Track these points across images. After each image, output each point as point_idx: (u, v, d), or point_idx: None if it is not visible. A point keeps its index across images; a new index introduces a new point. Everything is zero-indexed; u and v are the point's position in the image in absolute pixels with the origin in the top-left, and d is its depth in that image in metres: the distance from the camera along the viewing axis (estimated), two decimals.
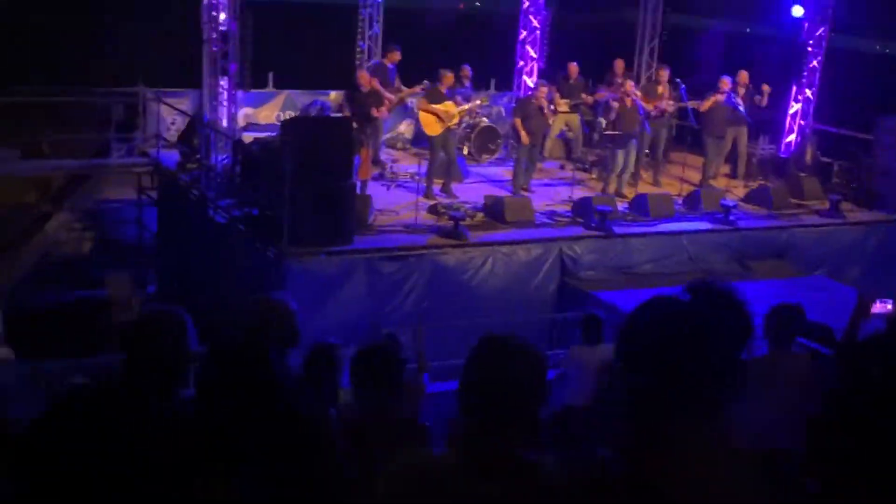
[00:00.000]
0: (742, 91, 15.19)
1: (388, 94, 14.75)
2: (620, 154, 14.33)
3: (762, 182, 15.47)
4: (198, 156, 13.68)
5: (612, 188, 14.38)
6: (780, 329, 5.87)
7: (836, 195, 14.61)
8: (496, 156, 16.21)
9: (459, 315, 10.91)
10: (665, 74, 15.38)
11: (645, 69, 18.67)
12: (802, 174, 15.58)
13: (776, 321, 5.88)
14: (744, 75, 15.33)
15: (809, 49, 16.45)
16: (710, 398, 2.05)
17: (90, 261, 13.56)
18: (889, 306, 7.79)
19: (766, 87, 15.41)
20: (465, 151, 15.82)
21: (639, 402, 2.05)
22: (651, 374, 2.03)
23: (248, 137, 14.02)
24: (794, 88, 16.65)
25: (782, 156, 16.60)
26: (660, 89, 15.25)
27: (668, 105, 15.08)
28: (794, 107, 16.65)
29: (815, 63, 16.51)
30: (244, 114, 15.77)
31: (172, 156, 14.36)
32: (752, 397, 5.78)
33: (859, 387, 1.99)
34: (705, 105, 14.94)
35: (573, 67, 16.55)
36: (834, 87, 16.20)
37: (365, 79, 14.15)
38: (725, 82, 14.97)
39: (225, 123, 13.82)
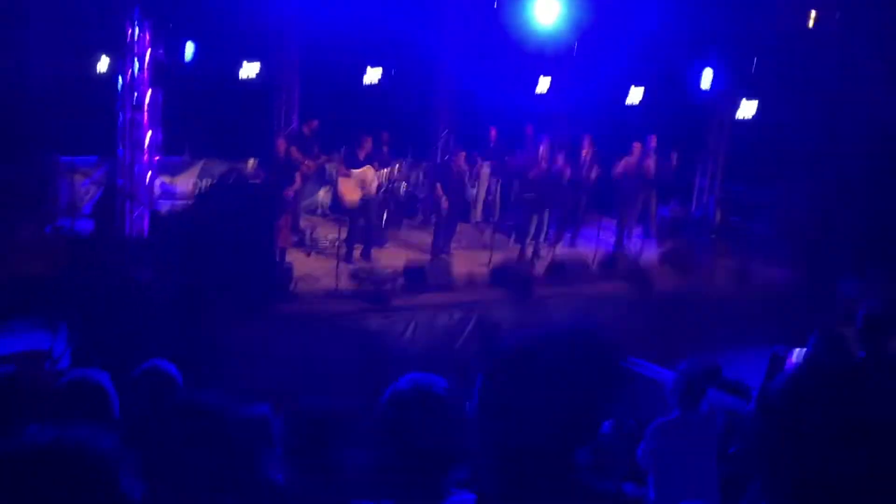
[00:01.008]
0: (653, 154, 15.63)
1: (305, 161, 14.79)
2: (536, 218, 14.58)
3: (673, 243, 15.84)
4: (113, 226, 13.47)
5: (529, 251, 14.58)
6: (686, 391, 5.98)
7: (745, 255, 15.03)
8: (416, 221, 16.34)
9: (383, 380, 10.81)
10: (588, 141, 15.74)
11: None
12: (712, 235, 16.03)
13: (681, 383, 5.99)
14: (652, 139, 15.79)
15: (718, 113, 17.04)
16: (561, 441, 2.08)
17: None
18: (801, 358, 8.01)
19: (673, 154, 15.87)
20: (385, 217, 15.91)
21: (498, 449, 2.10)
22: (508, 420, 2.08)
23: (164, 206, 13.89)
24: (703, 151, 17.16)
25: (692, 217, 17.05)
26: (584, 153, 15.60)
27: (592, 171, 15.44)
28: (703, 169, 17.15)
29: (720, 126, 17.07)
30: (160, 182, 15.60)
31: (86, 227, 14.10)
32: (664, 458, 5.89)
33: (777, 430, 2.06)
34: (618, 169, 15.34)
35: (493, 131, 16.83)
36: (742, 149, 16.78)
37: (281, 146, 14.19)
38: (637, 145, 15.41)
39: (141, 193, 13.66)
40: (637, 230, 16.39)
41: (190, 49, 16.27)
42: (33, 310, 13.64)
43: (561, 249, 15.22)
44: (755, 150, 16.24)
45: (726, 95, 16.87)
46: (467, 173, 14.46)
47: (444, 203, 13.91)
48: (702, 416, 6.11)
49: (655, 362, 10.70)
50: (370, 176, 13.92)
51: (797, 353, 8.01)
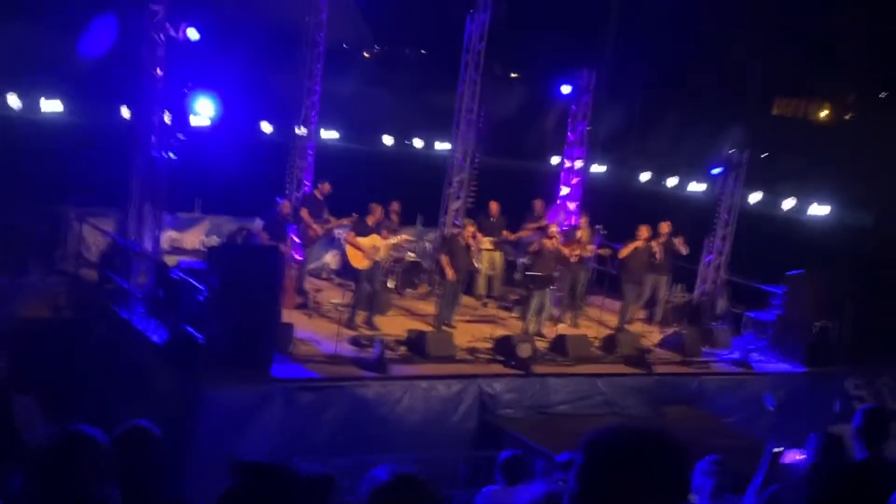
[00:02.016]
0: (663, 240, 15.62)
1: (314, 225, 14.88)
2: (539, 294, 14.55)
3: (676, 329, 15.79)
4: (117, 277, 13.48)
5: (532, 327, 14.52)
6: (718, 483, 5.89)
7: (746, 345, 14.96)
8: (420, 290, 16.33)
9: (376, 450, 10.77)
10: (584, 220, 15.80)
11: (564, 215, 19.12)
12: (714, 323, 15.98)
13: (717, 475, 5.89)
14: (664, 225, 15.79)
15: (720, 205, 17.14)
16: None
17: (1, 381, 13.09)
18: (799, 456, 7.92)
19: (679, 239, 15.86)
20: (390, 285, 15.91)
21: None
22: None
23: (171, 260, 13.92)
24: (709, 240, 17.20)
25: (695, 304, 17.01)
26: (579, 234, 15.64)
27: (587, 250, 15.46)
28: (708, 257, 17.17)
29: (727, 217, 17.16)
30: (169, 236, 15.67)
31: (92, 276, 14.13)
32: None
33: None
34: (624, 252, 15.35)
35: (494, 205, 16.88)
36: (747, 241, 16.85)
37: (286, 207, 14.26)
38: (644, 230, 15.43)
39: (148, 246, 13.69)
40: (640, 313, 16.32)
41: (209, 107, 16.45)
42: (35, 354, 13.61)
43: (563, 327, 15.16)
44: (760, 240, 16.28)
45: (734, 186, 16.99)
46: (476, 246, 14.47)
47: (450, 274, 13.92)
48: None
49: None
50: (378, 243, 13.96)
51: (793, 454, 7.91)
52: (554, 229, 14.99)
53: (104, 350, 13.00)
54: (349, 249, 13.99)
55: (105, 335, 13.02)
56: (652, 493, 2.07)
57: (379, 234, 14.07)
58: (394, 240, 15.08)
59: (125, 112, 16.59)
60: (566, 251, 14.97)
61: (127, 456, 3.87)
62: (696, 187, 21.45)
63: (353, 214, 14.57)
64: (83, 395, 13.17)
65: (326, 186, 15.42)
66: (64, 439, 3.53)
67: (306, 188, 16.88)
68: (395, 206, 16.35)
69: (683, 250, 15.83)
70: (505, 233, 16.76)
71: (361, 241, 13.78)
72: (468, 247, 14.22)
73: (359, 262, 13.80)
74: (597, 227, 16.01)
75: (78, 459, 3.30)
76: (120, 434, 4.14)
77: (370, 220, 14.01)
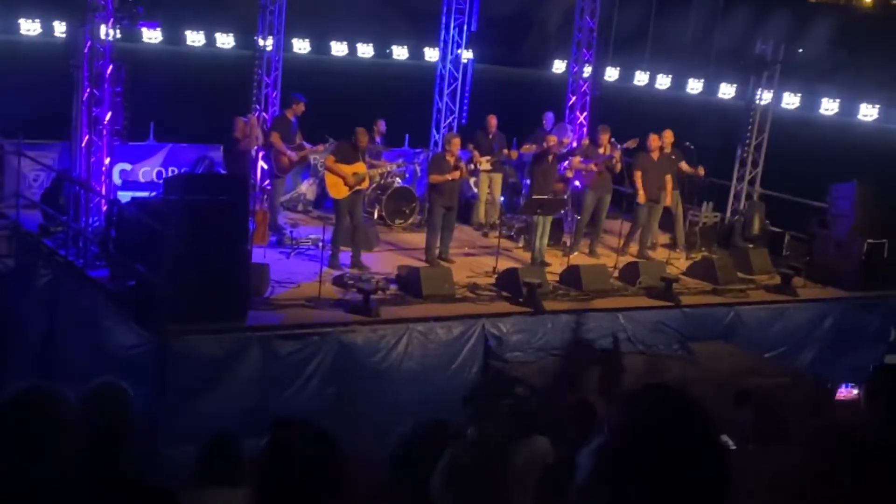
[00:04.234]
0: (668, 152, 15.56)
1: (287, 150, 14.70)
2: (548, 220, 14.48)
3: (706, 254, 15.73)
4: (64, 218, 13.37)
5: (540, 258, 14.46)
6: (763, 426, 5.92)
7: (787, 269, 14.92)
8: (411, 221, 16.23)
9: (370, 402, 10.79)
10: (606, 135, 15.56)
11: (576, 128, 18.96)
12: (750, 245, 15.92)
13: (758, 417, 5.91)
14: (669, 134, 15.66)
15: (753, 110, 16.98)
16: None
17: None
18: (854, 392, 7.92)
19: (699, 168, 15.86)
20: (376, 216, 15.81)
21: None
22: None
23: (124, 196, 13.80)
24: (740, 151, 17.08)
25: (728, 225, 16.94)
26: (601, 150, 15.45)
27: (616, 167, 15.34)
28: (741, 171, 17.06)
29: (760, 126, 17.02)
30: (120, 170, 15.52)
31: (34, 217, 14.01)
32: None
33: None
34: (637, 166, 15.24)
35: (492, 119, 16.66)
36: (783, 152, 16.72)
37: (241, 127, 14.04)
38: (655, 139, 15.30)
39: (98, 181, 13.55)
40: (663, 237, 16.27)
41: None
42: None
43: (577, 256, 15.10)
44: (799, 151, 16.15)
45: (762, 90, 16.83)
46: (466, 164, 14.28)
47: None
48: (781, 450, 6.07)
49: None
50: (362, 171, 13.80)
51: (846, 390, 7.92)
52: (554, 141, 14.79)
53: (50, 302, 12.93)
54: (327, 177, 13.83)
55: (53, 284, 12.94)
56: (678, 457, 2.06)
57: (362, 159, 13.90)
58: (381, 169, 14.94)
59: (59, 27, 16.28)
60: (591, 166, 14.92)
61: (97, 417, 3.86)
62: (725, 91, 21.36)
63: (328, 138, 14.39)
64: (31, 351, 13.16)
65: (301, 106, 15.16)
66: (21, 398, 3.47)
67: (274, 108, 16.66)
68: (380, 125, 16.18)
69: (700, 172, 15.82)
70: (506, 151, 16.60)
71: (343, 168, 13.59)
72: (457, 166, 14.04)
73: (338, 191, 13.65)
74: (612, 140, 15.84)
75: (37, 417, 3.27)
76: (89, 393, 4.11)
77: (351, 144, 13.80)
